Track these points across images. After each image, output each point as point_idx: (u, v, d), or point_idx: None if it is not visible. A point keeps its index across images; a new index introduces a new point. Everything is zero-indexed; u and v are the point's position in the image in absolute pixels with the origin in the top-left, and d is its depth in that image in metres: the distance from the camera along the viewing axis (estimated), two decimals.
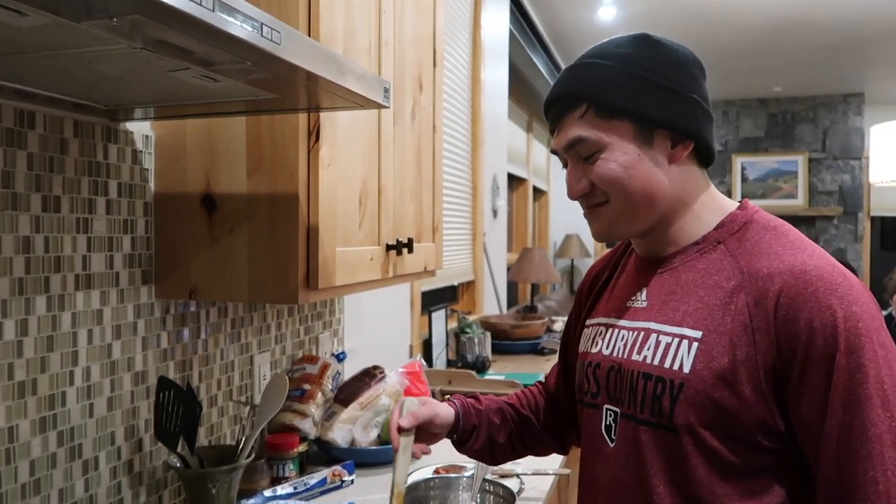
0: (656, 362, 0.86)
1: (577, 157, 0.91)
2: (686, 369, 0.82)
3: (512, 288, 5.12)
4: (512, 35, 4.05)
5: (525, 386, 1.25)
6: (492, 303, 3.83)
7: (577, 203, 0.95)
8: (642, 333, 0.90)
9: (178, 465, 1.19)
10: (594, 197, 0.91)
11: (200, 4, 0.60)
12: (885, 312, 3.58)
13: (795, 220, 7.00)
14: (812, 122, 7.02)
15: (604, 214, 0.91)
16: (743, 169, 7.15)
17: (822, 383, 0.76)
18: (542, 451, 1.19)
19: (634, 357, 0.89)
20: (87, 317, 1.10)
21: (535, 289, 5.07)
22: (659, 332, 0.87)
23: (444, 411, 1.10)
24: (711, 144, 0.92)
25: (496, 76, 3.80)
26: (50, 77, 0.87)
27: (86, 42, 0.68)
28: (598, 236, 0.95)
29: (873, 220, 7.24)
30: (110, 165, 1.15)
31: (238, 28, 0.66)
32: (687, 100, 0.88)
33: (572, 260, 6.64)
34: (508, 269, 4.44)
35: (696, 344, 0.83)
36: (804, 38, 4.99)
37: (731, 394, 0.79)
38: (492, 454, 1.14)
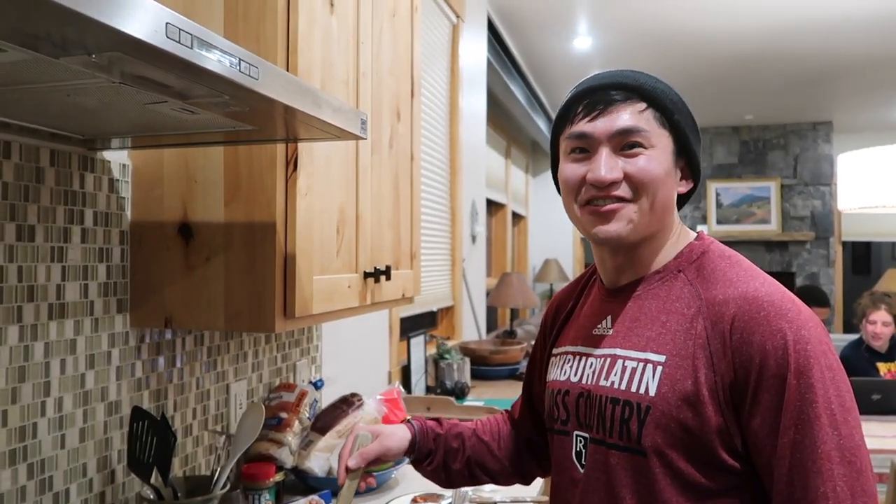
0: (623, 387, 0.89)
1: (619, 146, 0.90)
2: (652, 392, 0.85)
3: (491, 313, 5.13)
4: (490, 63, 4.12)
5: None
6: (471, 328, 3.84)
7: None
8: (609, 360, 0.92)
9: (152, 496, 1.18)
10: (622, 189, 0.90)
11: (179, 42, 0.61)
12: (856, 336, 3.64)
13: (769, 245, 7.13)
14: (783, 150, 7.18)
15: (626, 214, 0.90)
16: (717, 195, 7.28)
17: (774, 403, 0.80)
18: (501, 480, 1.18)
19: (602, 383, 0.92)
20: (61, 346, 1.09)
21: (514, 313, 5.08)
22: (625, 358, 0.90)
23: (396, 444, 1.10)
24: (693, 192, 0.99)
25: (474, 103, 3.85)
26: (26, 108, 0.88)
27: (64, 76, 0.69)
28: (610, 238, 0.91)
29: (844, 244, 7.40)
30: (86, 194, 1.15)
31: (216, 64, 0.67)
32: (699, 148, 0.96)
33: (551, 284, 6.68)
34: (487, 294, 4.46)
35: (660, 368, 0.86)
36: (774, 69, 5.13)
37: (694, 415, 0.83)
38: (447, 478, 1.15)
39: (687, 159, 0.95)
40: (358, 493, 1.58)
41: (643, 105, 0.91)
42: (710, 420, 0.82)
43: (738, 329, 0.82)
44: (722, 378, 0.82)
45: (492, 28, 4.12)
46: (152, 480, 1.17)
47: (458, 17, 3.41)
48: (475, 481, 1.16)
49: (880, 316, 3.46)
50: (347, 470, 1.06)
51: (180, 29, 0.61)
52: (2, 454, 1.00)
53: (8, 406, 1.01)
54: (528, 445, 1.17)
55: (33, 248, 1.05)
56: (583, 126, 0.92)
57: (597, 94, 0.92)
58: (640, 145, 0.90)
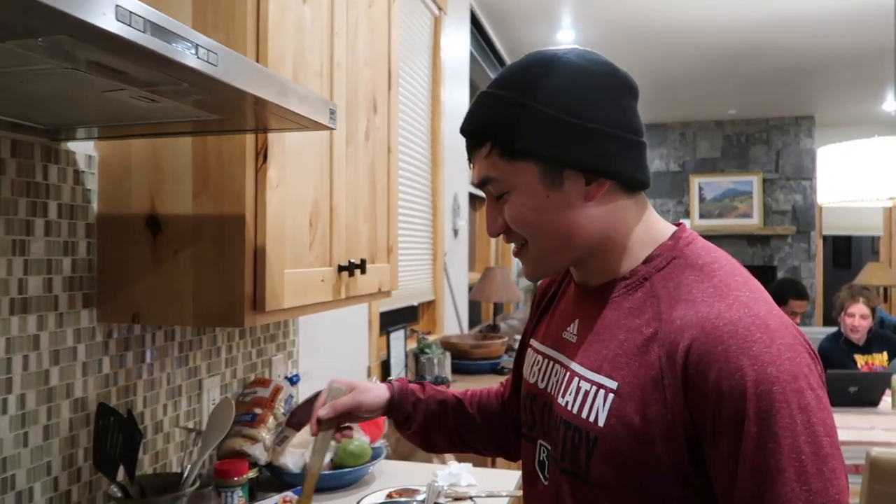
0: (575, 410, 0.81)
1: (490, 194, 0.86)
2: (601, 423, 0.77)
3: (475, 307, 5.12)
4: (473, 57, 4.10)
5: None
6: (453, 322, 3.83)
7: None
8: (567, 374, 0.85)
9: (119, 494, 1.15)
10: (513, 236, 0.86)
11: (130, 25, 0.59)
12: (834, 330, 3.67)
13: (751, 239, 7.18)
14: (765, 144, 7.23)
15: (531, 255, 0.86)
16: (700, 189, 7.31)
17: (732, 450, 0.69)
18: (484, 452, 1.16)
19: (559, 400, 0.85)
20: (23, 342, 1.07)
21: (497, 308, 5.08)
22: (581, 377, 0.82)
23: (371, 400, 1.08)
24: (636, 175, 0.83)
25: (456, 96, 3.83)
26: None
27: (13, 62, 0.66)
28: (529, 277, 0.90)
29: (825, 238, 7.47)
30: (50, 186, 1.12)
31: (172, 50, 0.65)
32: (595, 134, 0.80)
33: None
34: (470, 288, 4.45)
35: (611, 396, 0.77)
36: (757, 63, 5.15)
37: (644, 452, 0.74)
38: (427, 443, 1.13)
39: (576, 165, 0.80)
40: (330, 487, 1.56)
41: (487, 148, 0.83)
42: (662, 459, 0.73)
43: (692, 363, 0.71)
44: (675, 416, 0.72)
45: (475, 21, 4.10)
46: (119, 478, 1.15)
47: (440, 9, 3.38)
48: (457, 449, 1.15)
49: (858, 309, 3.49)
50: (319, 422, 1.04)
51: (131, 12, 0.59)
52: None
53: None
54: (514, 425, 1.12)
55: None
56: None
57: (465, 141, 0.88)
58: (503, 191, 0.83)
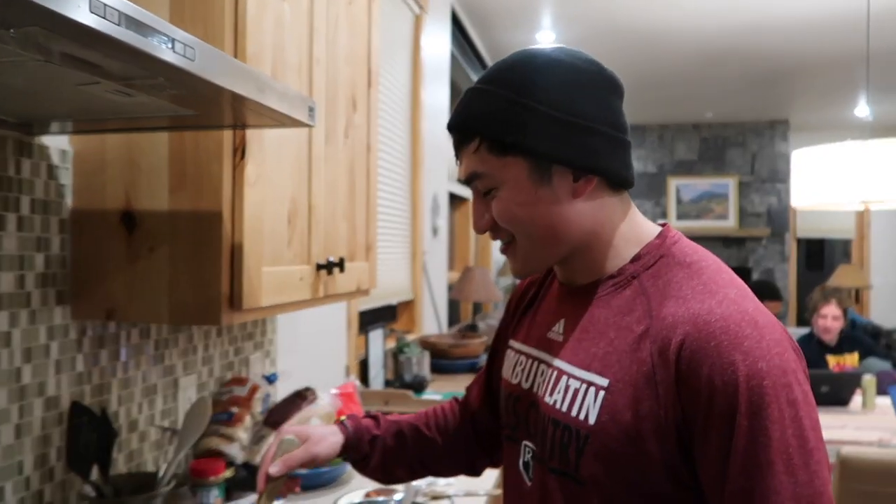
0: (564, 409, 0.81)
1: (478, 190, 0.86)
2: (591, 420, 0.77)
3: (454, 306, 5.12)
4: (453, 57, 4.10)
5: None
6: (432, 322, 3.83)
7: None
8: (555, 373, 0.85)
9: (93, 494, 1.14)
10: (500, 233, 0.86)
11: (104, 17, 0.58)
12: (806, 331, 3.73)
13: (727, 241, 7.27)
14: (741, 147, 7.33)
15: (517, 251, 0.86)
16: (678, 190, 7.39)
17: (723, 444, 0.71)
18: (446, 474, 1.15)
19: (547, 399, 0.84)
20: None
21: (477, 307, 5.09)
22: (569, 375, 0.82)
23: (325, 450, 1.03)
24: (623, 173, 0.85)
25: (437, 96, 3.83)
26: None
27: None
28: (516, 274, 0.90)
29: (799, 241, 7.59)
30: (23, 181, 1.10)
31: (146, 44, 0.64)
32: (584, 131, 0.81)
33: (514, 279, 6.71)
34: (450, 288, 4.45)
35: (602, 393, 0.78)
36: (734, 68, 5.21)
37: (635, 449, 0.74)
38: (386, 477, 1.10)
39: (565, 160, 0.81)
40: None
41: (476, 143, 0.83)
42: (653, 456, 0.74)
43: (685, 359, 0.72)
44: (667, 411, 0.73)
45: (455, 21, 4.11)
46: (93, 478, 1.14)
47: (420, 8, 3.38)
48: (419, 476, 1.12)
49: (830, 310, 3.54)
50: (268, 477, 0.98)
51: (106, 5, 0.58)
52: None
53: None
54: (478, 438, 1.11)
55: None
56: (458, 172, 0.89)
57: (452, 137, 0.87)
58: (491, 187, 0.83)
